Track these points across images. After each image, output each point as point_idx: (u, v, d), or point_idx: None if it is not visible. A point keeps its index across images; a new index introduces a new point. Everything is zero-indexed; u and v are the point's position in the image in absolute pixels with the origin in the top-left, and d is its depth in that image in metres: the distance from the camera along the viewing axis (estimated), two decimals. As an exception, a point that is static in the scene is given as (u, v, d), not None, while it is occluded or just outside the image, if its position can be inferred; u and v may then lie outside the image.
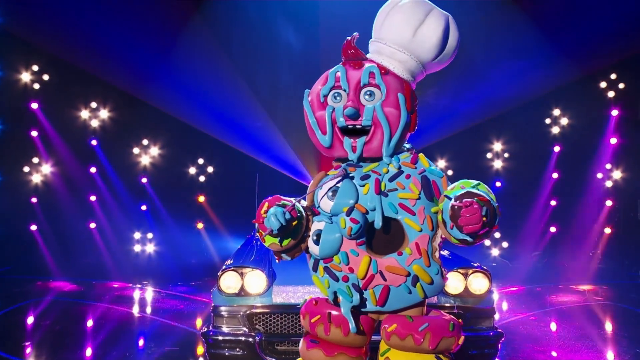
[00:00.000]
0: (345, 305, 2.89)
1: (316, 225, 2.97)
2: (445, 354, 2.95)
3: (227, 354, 4.26)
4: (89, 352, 5.78)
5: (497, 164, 12.22)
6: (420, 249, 2.84)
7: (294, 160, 11.49)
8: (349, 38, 3.05)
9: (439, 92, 11.12)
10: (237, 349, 4.24)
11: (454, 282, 4.42)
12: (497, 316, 4.76)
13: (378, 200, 2.84)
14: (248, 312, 4.30)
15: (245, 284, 4.35)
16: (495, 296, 4.71)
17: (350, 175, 2.96)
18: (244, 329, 4.29)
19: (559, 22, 10.81)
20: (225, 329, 4.32)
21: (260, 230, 2.88)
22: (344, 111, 2.89)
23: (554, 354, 5.88)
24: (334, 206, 2.88)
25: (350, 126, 2.92)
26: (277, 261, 3.16)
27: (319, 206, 3.00)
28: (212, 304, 4.44)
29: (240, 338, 4.24)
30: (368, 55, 3.09)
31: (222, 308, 4.36)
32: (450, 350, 2.95)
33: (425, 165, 3.02)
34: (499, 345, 4.43)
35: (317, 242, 2.92)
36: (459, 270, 4.45)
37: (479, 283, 4.41)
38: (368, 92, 2.92)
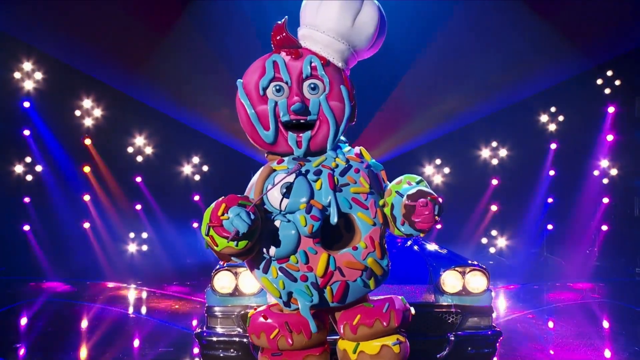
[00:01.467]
0: (305, 306, 2.82)
1: (270, 224, 2.83)
2: (403, 332, 3.08)
3: (221, 355, 4.24)
4: (82, 353, 5.76)
5: (494, 162, 12.27)
6: (374, 243, 2.84)
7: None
8: (279, 22, 2.94)
9: (435, 90, 11.15)
10: (232, 350, 4.20)
11: (452, 281, 4.42)
12: (494, 315, 4.75)
13: (333, 196, 2.80)
14: (242, 312, 4.23)
15: (240, 284, 4.28)
16: (493, 294, 4.70)
17: (303, 170, 2.88)
18: (239, 329, 4.25)
19: (555, 19, 10.83)
20: (219, 330, 4.29)
21: (213, 235, 2.63)
22: (290, 106, 2.83)
23: (552, 352, 5.90)
24: (290, 204, 2.79)
25: (295, 121, 2.86)
26: (222, 264, 3.13)
27: (271, 204, 2.85)
28: (206, 304, 4.40)
29: (234, 339, 4.20)
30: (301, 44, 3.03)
31: (216, 308, 4.32)
32: (409, 322, 3.07)
33: (367, 159, 3.03)
34: (498, 344, 4.42)
35: (272, 242, 2.80)
36: (456, 268, 4.46)
37: (476, 281, 4.41)
38: (312, 85, 2.87)
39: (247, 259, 2.87)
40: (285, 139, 2.89)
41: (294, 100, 2.81)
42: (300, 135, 2.89)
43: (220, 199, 2.67)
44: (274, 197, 2.80)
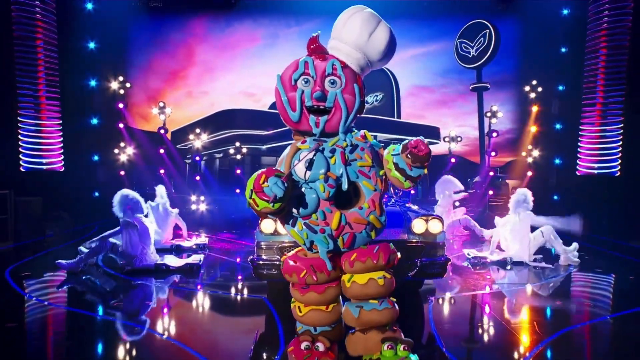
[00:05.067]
0: (323, 251, 2.81)
1: (296, 190, 2.76)
2: (390, 270, 2.99)
3: (265, 272, 4.44)
4: (157, 277, 5.86)
5: (453, 145, 12.33)
6: (374, 203, 2.81)
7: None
8: (313, 35, 2.86)
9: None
10: (273, 270, 4.40)
11: (419, 225, 4.54)
12: (446, 249, 4.95)
13: (344, 169, 2.75)
14: (279, 245, 4.43)
15: (278, 227, 4.41)
16: (446, 235, 4.91)
17: (321, 149, 2.79)
18: (277, 256, 4.43)
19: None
20: (264, 257, 4.47)
21: (255, 198, 2.59)
22: (312, 94, 2.75)
23: (487, 276, 6.16)
24: (311, 175, 2.72)
25: (315, 106, 2.78)
26: (260, 221, 3.05)
27: (296, 175, 2.76)
28: (256, 240, 4.53)
29: (274, 262, 4.39)
30: (328, 51, 2.90)
31: (262, 243, 4.49)
32: (394, 263, 2.98)
33: (370, 140, 2.94)
34: (448, 267, 4.66)
35: (298, 204, 2.74)
36: (422, 217, 4.61)
37: (435, 226, 4.59)
38: (331, 81, 2.78)
39: (278, 217, 2.85)
40: (307, 119, 2.81)
41: (316, 89, 2.75)
42: (319, 118, 2.80)
43: (260, 171, 2.63)
44: (300, 169, 2.74)
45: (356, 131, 2.96)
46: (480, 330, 4.36)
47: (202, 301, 5.13)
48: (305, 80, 2.78)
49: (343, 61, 2.83)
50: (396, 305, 3.01)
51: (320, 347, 2.93)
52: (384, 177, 2.88)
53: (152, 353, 3.69)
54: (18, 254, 7.06)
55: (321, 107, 2.78)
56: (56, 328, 4.26)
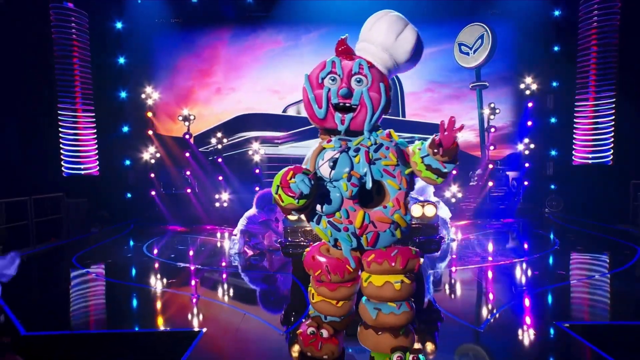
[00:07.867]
0: (346, 248, 2.80)
1: (321, 189, 2.72)
2: (410, 275, 2.90)
3: (291, 252, 5.15)
4: (198, 261, 6.80)
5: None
6: (399, 202, 2.74)
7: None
8: (342, 37, 2.86)
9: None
10: (298, 249, 5.04)
11: (416, 210, 5.22)
12: (447, 231, 5.70)
13: (368, 168, 2.71)
14: (303, 229, 5.08)
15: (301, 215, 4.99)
16: (444, 218, 5.46)
17: (346, 149, 2.76)
18: (302, 238, 5.10)
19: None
20: (290, 239, 5.17)
21: (281, 193, 2.57)
22: (338, 91, 2.73)
23: (490, 257, 6.87)
24: (335, 174, 2.68)
25: (342, 104, 2.75)
26: (285, 217, 3.02)
27: (321, 174, 2.73)
28: (283, 226, 5.24)
29: (299, 243, 5.07)
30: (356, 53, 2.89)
31: (289, 228, 5.15)
32: (414, 269, 2.89)
33: (395, 139, 2.88)
34: (441, 244, 5.37)
35: (322, 202, 2.72)
36: (419, 203, 5.28)
37: (430, 210, 5.27)
38: (358, 79, 2.75)
39: (302, 214, 2.87)
40: (332, 116, 2.78)
41: (342, 87, 2.72)
42: (344, 115, 2.76)
43: (288, 167, 2.62)
44: (324, 168, 2.72)
45: (382, 130, 2.91)
46: (469, 294, 5.30)
47: (240, 277, 6.11)
48: (332, 78, 2.76)
49: (370, 61, 2.81)
50: (413, 305, 2.95)
51: (325, 333, 3.04)
52: (409, 176, 2.81)
53: (207, 312, 4.69)
54: (75, 247, 8.07)
55: (347, 104, 2.75)
56: (124, 299, 5.27)
